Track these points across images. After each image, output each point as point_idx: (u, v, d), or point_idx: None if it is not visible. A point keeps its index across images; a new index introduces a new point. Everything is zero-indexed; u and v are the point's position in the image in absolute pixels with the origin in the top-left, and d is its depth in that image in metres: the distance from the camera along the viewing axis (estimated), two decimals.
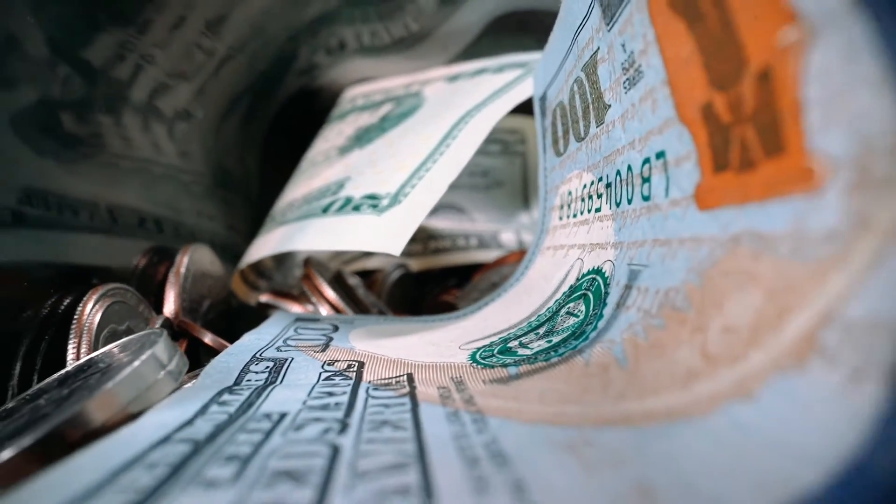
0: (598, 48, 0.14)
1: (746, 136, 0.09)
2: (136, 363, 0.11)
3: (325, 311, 0.22)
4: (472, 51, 0.32)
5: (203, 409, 0.11)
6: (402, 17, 0.31)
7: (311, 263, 0.24)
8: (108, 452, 0.08)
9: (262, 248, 0.25)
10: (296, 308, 0.24)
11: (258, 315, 0.27)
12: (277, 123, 0.36)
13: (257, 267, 0.29)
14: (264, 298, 0.24)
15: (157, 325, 0.19)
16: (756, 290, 0.08)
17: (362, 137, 0.27)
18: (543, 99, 0.21)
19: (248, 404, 0.11)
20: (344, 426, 0.09)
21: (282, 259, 0.31)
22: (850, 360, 0.06)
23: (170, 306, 0.21)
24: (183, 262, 0.22)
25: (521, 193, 0.36)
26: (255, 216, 0.35)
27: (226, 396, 0.12)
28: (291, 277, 0.32)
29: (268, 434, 0.09)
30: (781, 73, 0.07)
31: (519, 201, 0.36)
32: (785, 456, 0.06)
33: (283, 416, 0.10)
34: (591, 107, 0.15)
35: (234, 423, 0.10)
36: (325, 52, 0.35)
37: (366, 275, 0.31)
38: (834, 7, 0.06)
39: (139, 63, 0.25)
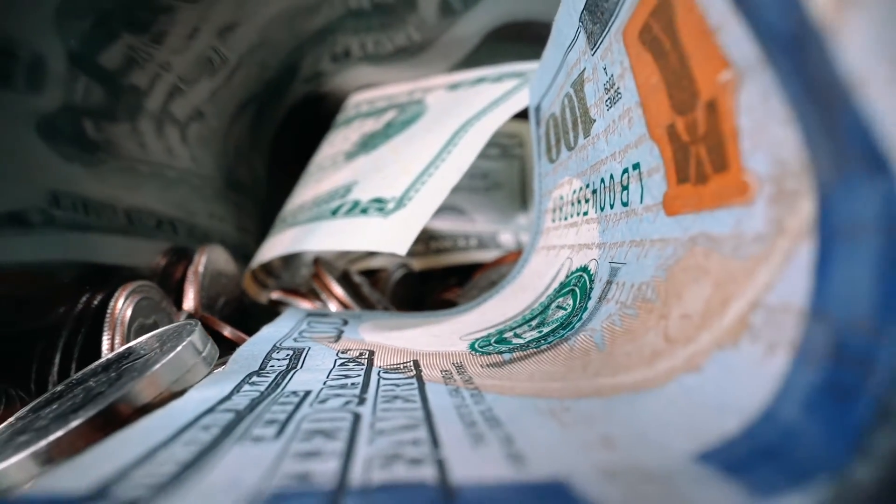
0: (585, 68, 0.16)
1: (700, 153, 0.10)
2: (178, 349, 0.13)
3: (333, 307, 0.24)
4: (472, 59, 0.34)
5: (237, 388, 0.12)
6: (404, 28, 0.33)
7: (321, 263, 0.26)
8: (167, 419, 0.10)
9: (274, 248, 0.26)
10: (305, 304, 0.25)
11: (268, 312, 0.29)
12: (284, 128, 0.38)
13: (267, 266, 0.31)
14: (275, 295, 0.26)
15: (182, 319, 0.21)
16: (707, 283, 0.10)
17: (368, 143, 0.29)
18: (538, 109, 0.22)
19: (275, 384, 0.13)
20: (361, 400, 0.11)
21: (290, 259, 0.33)
22: (768, 336, 0.08)
23: (189, 302, 0.23)
24: (201, 261, 0.24)
25: (518, 195, 0.37)
26: (264, 218, 0.37)
27: (254, 379, 0.13)
28: (298, 276, 0.33)
29: (297, 406, 0.11)
30: (723, 105, 0.09)
31: (517, 203, 0.37)
32: (717, 410, 0.08)
33: (307, 392, 0.12)
34: (579, 120, 0.17)
35: (267, 399, 0.12)
36: (330, 59, 0.36)
37: (370, 274, 0.33)
38: (751, 58, 0.08)
39: (157, 72, 0.27)
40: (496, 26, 0.32)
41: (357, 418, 0.10)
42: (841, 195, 0.07)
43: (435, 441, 0.09)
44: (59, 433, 0.11)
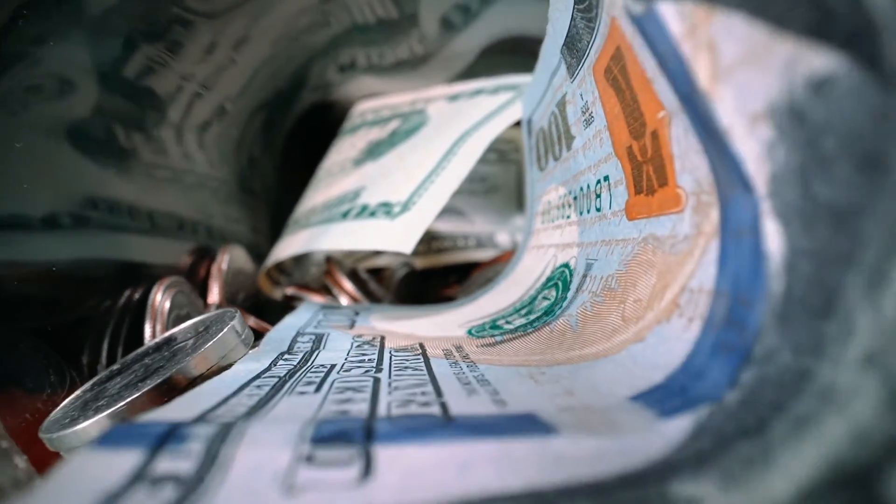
0: (566, 92, 0.19)
1: (649, 171, 0.13)
2: (224, 331, 0.16)
3: (344, 301, 0.27)
4: (471, 70, 0.37)
5: (273, 363, 0.15)
6: (406, 42, 0.36)
7: (332, 261, 0.29)
8: (225, 382, 0.13)
9: (289, 247, 0.29)
10: (318, 299, 0.28)
11: (281, 307, 0.32)
12: (294, 134, 0.41)
13: (280, 265, 0.34)
14: (290, 291, 0.29)
15: (211, 311, 0.23)
16: (653, 274, 0.13)
17: (374, 151, 0.32)
18: (530, 122, 0.25)
19: (304, 360, 0.16)
20: (378, 369, 0.14)
21: (300, 258, 0.36)
22: (689, 312, 0.11)
23: (214, 296, 0.26)
24: (224, 259, 0.27)
25: (515, 198, 0.40)
26: (275, 219, 0.40)
27: (286, 356, 0.16)
28: (308, 274, 0.36)
29: (327, 373, 0.14)
30: (662, 135, 0.12)
31: (513, 205, 0.40)
32: (651, 368, 0.11)
33: (333, 365, 0.15)
34: (562, 135, 0.20)
35: (300, 370, 0.14)
36: (336, 70, 0.39)
37: (376, 272, 0.35)
38: (674, 104, 0.11)
39: (180, 84, 0.30)
40: (493, 41, 0.35)
41: (377, 381, 0.13)
42: (732, 207, 0.10)
43: (438, 392, 0.11)
44: (133, 397, 0.14)
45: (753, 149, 0.09)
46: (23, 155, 0.21)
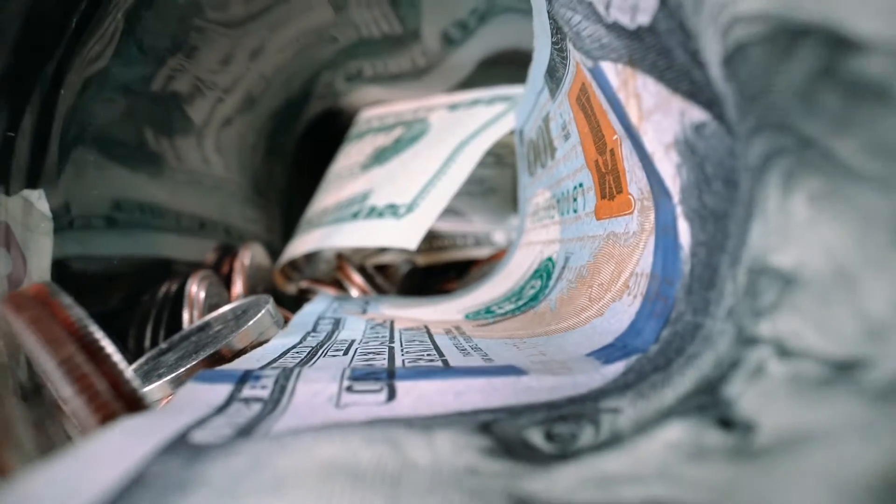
0: (549, 111, 0.22)
1: (610, 181, 0.17)
2: (261, 314, 0.20)
3: (355, 293, 0.31)
4: (469, 80, 0.41)
5: (303, 339, 0.19)
6: (409, 54, 0.40)
7: (343, 257, 0.32)
8: (269, 350, 0.17)
9: (303, 245, 0.33)
10: (330, 291, 0.32)
11: (294, 300, 0.35)
12: (303, 139, 0.45)
13: (292, 262, 0.37)
14: (305, 284, 0.33)
15: (238, 301, 0.27)
16: (612, 263, 0.16)
17: (380, 157, 0.35)
18: (521, 132, 0.29)
19: (328, 336, 0.19)
20: (391, 342, 0.18)
21: (311, 256, 0.40)
22: (634, 291, 0.15)
23: (238, 288, 0.29)
24: (246, 255, 0.30)
25: (511, 199, 0.44)
26: (286, 219, 0.43)
27: (312, 334, 0.20)
28: (318, 270, 0.40)
29: (349, 345, 0.17)
30: (617, 153, 0.16)
31: (509, 206, 0.44)
32: (606, 334, 0.15)
33: (353, 340, 0.18)
34: (547, 147, 0.24)
35: (327, 343, 0.18)
36: (344, 79, 0.43)
37: (381, 268, 0.39)
38: (621, 131, 0.14)
39: (203, 92, 0.34)
40: (489, 54, 0.39)
41: (391, 349, 0.16)
42: (661, 210, 0.13)
43: (441, 354, 0.15)
44: (190, 364, 0.18)
45: (669, 169, 0.12)
46: (85, 164, 0.25)
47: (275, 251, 0.38)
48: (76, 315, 0.10)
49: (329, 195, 0.36)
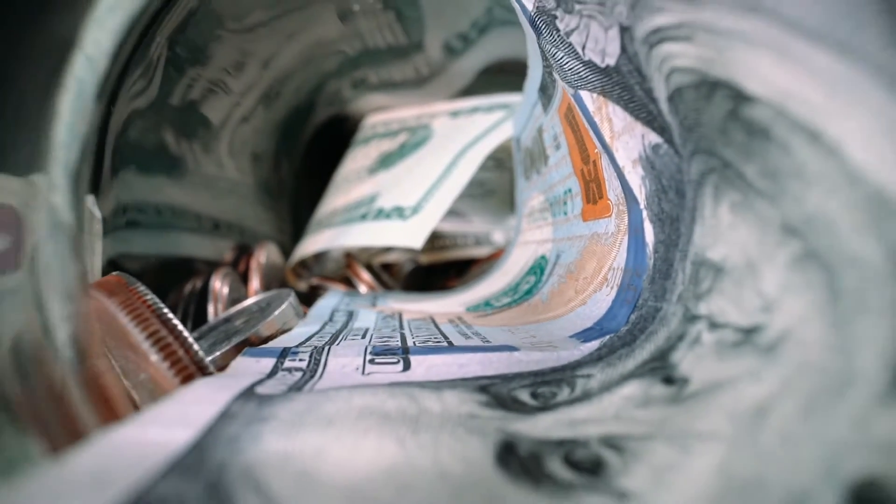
0: (543, 123, 0.25)
1: (593, 188, 0.20)
2: (284, 305, 0.22)
3: (363, 289, 0.33)
4: (470, 88, 0.43)
5: (322, 327, 0.22)
6: (413, 63, 0.42)
7: (352, 256, 0.35)
8: (294, 335, 0.19)
9: (314, 244, 0.36)
10: (340, 288, 0.35)
11: (304, 297, 0.38)
12: (311, 144, 0.47)
13: (302, 261, 0.40)
14: (316, 281, 0.35)
15: (257, 297, 0.30)
16: (594, 259, 0.19)
17: (386, 161, 0.38)
18: (518, 140, 0.32)
19: (344, 325, 0.22)
20: (402, 329, 0.20)
21: (319, 255, 0.42)
22: (611, 283, 0.17)
23: (255, 284, 0.32)
24: (262, 254, 0.33)
25: (509, 201, 0.47)
26: (296, 220, 0.46)
27: (329, 324, 0.23)
28: (326, 269, 0.42)
29: (365, 332, 0.20)
30: (597, 164, 0.18)
31: (508, 207, 0.47)
32: (587, 319, 0.17)
33: (367, 328, 0.21)
34: (542, 154, 0.26)
35: (344, 330, 0.21)
36: (350, 86, 0.46)
37: (386, 267, 0.42)
38: (599, 146, 0.17)
39: (221, 98, 0.36)
40: (488, 63, 0.41)
41: (402, 334, 0.19)
42: (632, 214, 0.16)
43: (445, 337, 0.18)
44: (224, 349, 0.21)
45: (636, 180, 0.15)
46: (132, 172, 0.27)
47: (286, 250, 0.41)
48: (152, 299, 0.13)
49: (338, 197, 0.39)
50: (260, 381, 0.12)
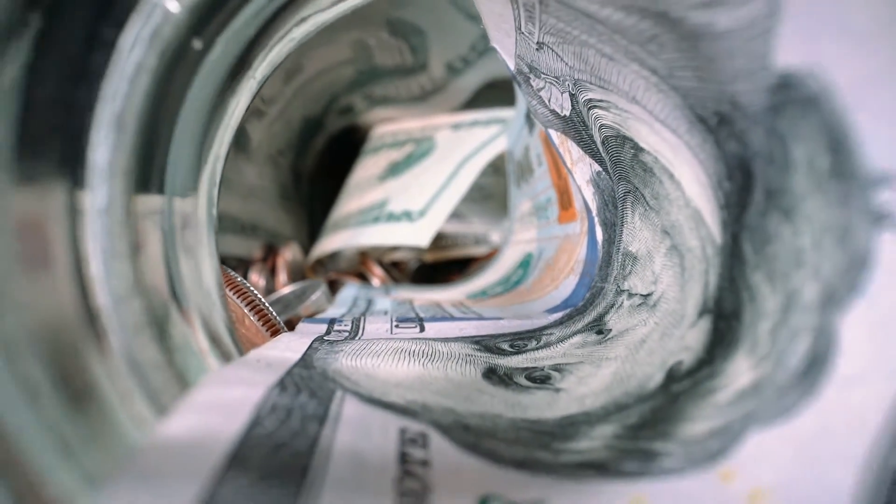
0: (529, 141, 0.31)
1: (564, 198, 0.26)
2: (318, 293, 0.29)
3: (375, 283, 0.40)
4: (471, 102, 0.50)
5: (349, 310, 0.28)
6: (418, 80, 0.49)
7: (366, 254, 0.41)
8: (329, 314, 0.26)
9: (331, 243, 0.42)
10: (354, 281, 0.41)
11: None
12: (324, 152, 0.54)
13: (319, 259, 0.46)
14: (333, 276, 0.42)
15: (285, 291, 0.36)
16: (566, 254, 0.25)
17: (394, 170, 0.44)
18: (511, 153, 0.38)
19: (366, 308, 0.28)
20: (414, 310, 0.27)
21: (333, 253, 0.49)
22: (576, 271, 0.24)
23: (283, 279, 0.38)
24: (288, 252, 0.39)
25: (505, 204, 0.53)
26: (311, 222, 0.52)
27: (354, 308, 0.29)
28: (339, 265, 0.49)
29: (385, 311, 0.26)
30: (567, 180, 0.25)
31: (504, 209, 0.53)
32: (556, 299, 0.24)
33: (386, 310, 0.27)
34: (528, 167, 0.33)
35: (367, 311, 0.27)
36: (360, 100, 0.52)
37: (394, 264, 0.48)
38: (566, 168, 0.24)
39: (257, 113, 0.43)
40: (486, 81, 0.48)
41: (417, 315, 0.25)
42: (589, 219, 0.22)
43: (448, 315, 0.24)
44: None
45: (589, 195, 0.21)
46: None
47: (303, 249, 0.47)
48: (242, 280, 0.19)
49: (351, 202, 0.45)
50: (323, 335, 0.18)
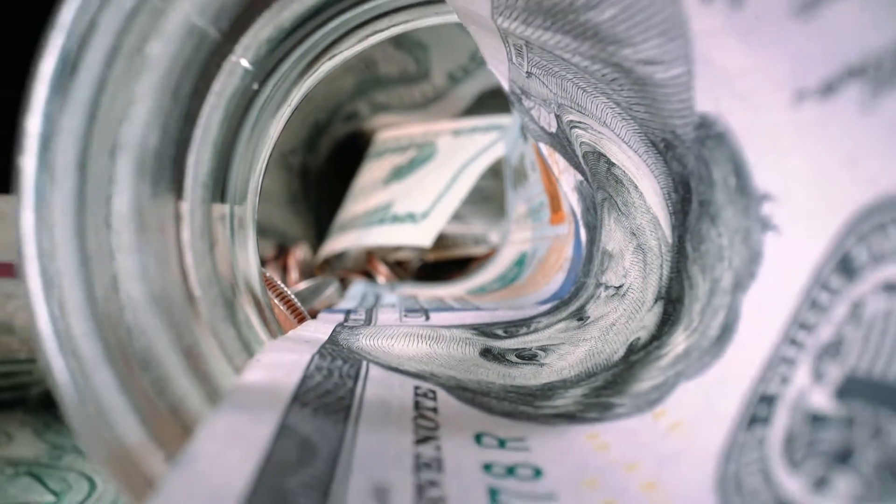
0: (524, 150, 0.35)
1: (555, 202, 0.29)
2: (333, 288, 0.32)
3: (381, 280, 0.43)
4: (470, 109, 0.53)
5: (360, 304, 0.31)
6: (420, 88, 0.52)
7: (372, 253, 0.45)
8: (343, 306, 0.29)
9: (339, 243, 0.45)
10: (361, 279, 0.44)
11: None
12: (330, 157, 0.57)
13: (326, 258, 0.49)
14: (341, 273, 0.45)
15: (301, 287, 0.39)
16: (556, 252, 0.29)
17: (398, 174, 0.48)
18: (508, 159, 0.41)
19: (375, 302, 0.32)
20: (419, 304, 0.30)
21: (339, 253, 0.52)
22: (564, 267, 0.27)
23: (294, 276, 0.42)
24: (299, 251, 0.43)
25: (503, 205, 0.56)
26: (318, 223, 0.56)
27: (363, 302, 0.32)
28: (344, 265, 0.52)
29: (393, 304, 0.30)
30: (556, 186, 0.28)
31: (502, 211, 0.56)
32: (546, 293, 0.27)
33: (394, 303, 0.31)
34: (524, 173, 0.36)
35: (376, 306, 0.30)
36: (365, 106, 0.55)
37: (398, 263, 0.51)
38: (560, 166, 0.27)
39: None
40: (485, 89, 0.51)
41: (423, 307, 0.29)
42: (575, 222, 0.26)
43: (448, 306, 0.27)
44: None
45: (575, 201, 0.25)
46: None
47: (312, 249, 0.51)
48: (271, 276, 0.23)
49: (357, 204, 0.48)
50: (342, 322, 0.22)
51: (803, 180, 0.10)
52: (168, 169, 0.11)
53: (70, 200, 0.11)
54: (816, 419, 0.09)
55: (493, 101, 0.52)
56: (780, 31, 0.09)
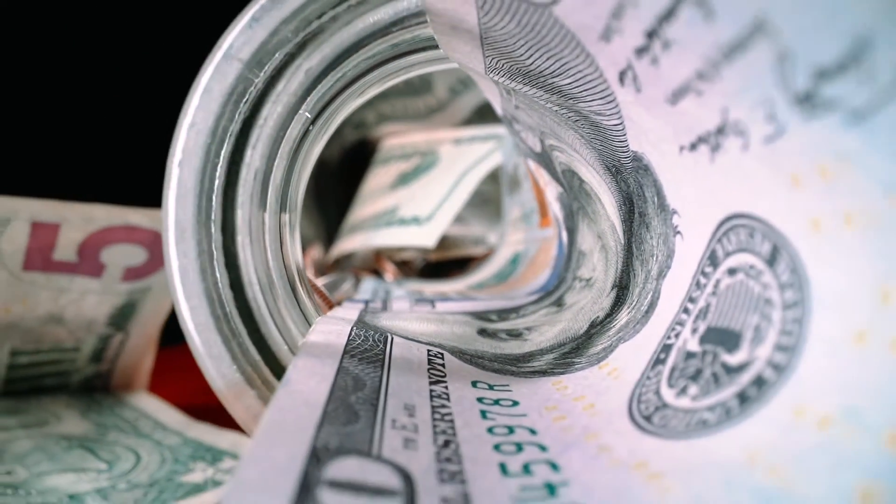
0: (519, 161, 0.40)
1: (543, 208, 0.35)
2: (348, 284, 0.37)
3: (389, 278, 0.49)
4: (470, 118, 0.59)
5: (372, 297, 0.37)
6: (423, 100, 0.58)
7: (380, 253, 0.50)
8: (360, 298, 0.34)
9: (349, 244, 0.51)
10: (369, 276, 0.50)
11: None
12: (339, 163, 0.63)
13: (337, 258, 0.55)
14: (351, 272, 0.51)
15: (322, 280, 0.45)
16: (544, 252, 0.34)
17: (404, 180, 0.53)
18: (504, 167, 0.47)
19: (386, 296, 0.37)
20: (426, 297, 0.36)
21: (350, 253, 0.57)
22: (550, 265, 0.33)
23: (310, 273, 0.47)
24: (314, 250, 0.48)
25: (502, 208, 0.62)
26: (328, 225, 0.61)
27: (376, 297, 0.38)
28: (352, 265, 0.58)
29: (404, 296, 0.35)
30: (544, 193, 0.34)
31: (500, 214, 0.62)
32: (535, 285, 0.33)
33: (404, 296, 0.36)
34: (518, 181, 0.42)
35: (388, 298, 0.36)
36: (371, 116, 0.61)
37: (403, 263, 0.57)
38: (546, 178, 0.32)
39: None
40: (484, 101, 0.57)
41: (429, 298, 0.34)
42: (560, 227, 0.31)
43: (449, 298, 0.33)
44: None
45: (556, 209, 0.30)
46: None
47: (323, 249, 0.56)
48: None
49: (365, 208, 0.54)
50: (364, 309, 0.27)
51: (690, 201, 0.16)
52: (264, 191, 0.17)
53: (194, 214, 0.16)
54: (689, 355, 0.14)
55: (490, 112, 0.58)
56: (662, 109, 0.14)
